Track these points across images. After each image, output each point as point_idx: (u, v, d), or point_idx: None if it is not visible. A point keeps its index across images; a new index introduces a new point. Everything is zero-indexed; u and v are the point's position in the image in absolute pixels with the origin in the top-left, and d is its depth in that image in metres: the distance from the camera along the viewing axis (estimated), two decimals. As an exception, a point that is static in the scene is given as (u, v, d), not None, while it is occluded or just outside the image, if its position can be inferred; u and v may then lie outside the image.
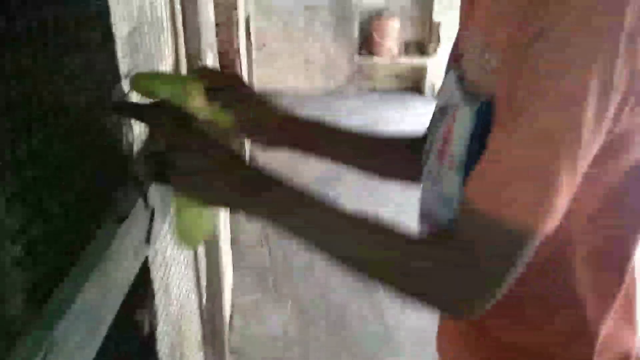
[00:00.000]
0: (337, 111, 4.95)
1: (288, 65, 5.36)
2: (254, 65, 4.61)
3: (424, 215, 0.68)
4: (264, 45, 5.23)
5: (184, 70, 1.17)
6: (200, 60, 1.12)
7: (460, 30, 0.72)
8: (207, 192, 0.57)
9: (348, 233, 0.56)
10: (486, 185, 0.52)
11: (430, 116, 0.71)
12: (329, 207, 0.57)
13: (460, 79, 0.63)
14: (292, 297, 2.51)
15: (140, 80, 0.66)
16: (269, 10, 5.14)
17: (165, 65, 1.05)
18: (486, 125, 0.54)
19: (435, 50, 5.21)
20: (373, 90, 5.63)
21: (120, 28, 0.75)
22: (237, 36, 3.14)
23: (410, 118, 4.80)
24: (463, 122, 0.58)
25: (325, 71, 5.44)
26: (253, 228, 2.86)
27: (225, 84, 0.73)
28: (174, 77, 0.74)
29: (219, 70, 0.81)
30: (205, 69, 0.79)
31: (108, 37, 0.69)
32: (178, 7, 1.11)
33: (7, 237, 0.41)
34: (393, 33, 5.14)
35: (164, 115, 0.57)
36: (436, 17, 5.14)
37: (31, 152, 0.44)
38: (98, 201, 0.58)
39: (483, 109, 0.55)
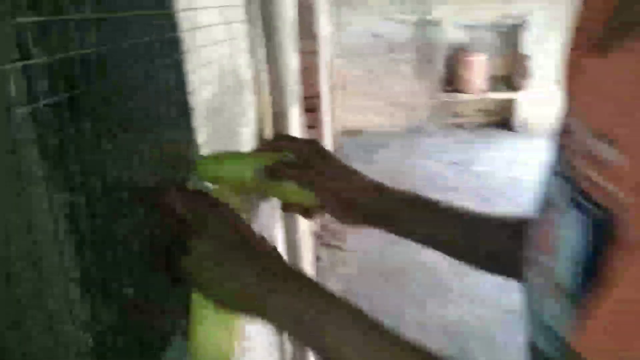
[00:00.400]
0: (420, 149, 4.81)
1: (370, 104, 5.33)
2: (336, 107, 4.62)
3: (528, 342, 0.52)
4: (345, 86, 5.24)
5: (268, 130, 1.12)
6: (287, 118, 1.07)
7: (565, 107, 0.51)
8: (229, 284, 0.47)
9: None
10: (606, 340, 0.37)
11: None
12: (392, 339, 0.45)
13: (566, 171, 0.44)
14: None
15: (201, 165, 0.60)
16: (351, 52, 5.17)
17: (249, 127, 1.01)
18: (601, 242, 0.38)
19: (524, 84, 4.97)
20: (459, 126, 5.45)
21: (200, 93, 0.71)
22: (319, 80, 3.15)
23: (499, 155, 4.56)
24: (570, 235, 0.41)
25: (408, 108, 5.34)
26: (337, 277, 2.78)
27: (303, 153, 0.64)
28: (241, 155, 0.65)
29: (295, 137, 0.69)
30: (280, 137, 0.69)
31: (184, 109, 0.64)
32: (263, 64, 1.07)
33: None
34: (479, 68, 4.98)
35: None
36: (524, 50, 4.91)
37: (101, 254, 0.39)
38: (167, 314, 0.52)
39: (601, 221, 0.39)
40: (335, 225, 3.32)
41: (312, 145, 0.65)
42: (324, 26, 3.84)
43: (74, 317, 0.37)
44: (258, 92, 1.10)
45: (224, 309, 0.48)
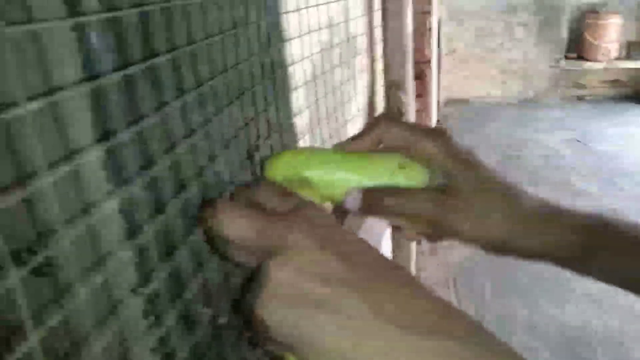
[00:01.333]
0: (535, 123, 4.34)
1: (479, 72, 4.88)
2: (442, 73, 4.26)
3: None
4: (454, 51, 4.83)
5: (378, 101, 0.91)
6: (402, 91, 0.85)
7: None
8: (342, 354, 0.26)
9: None
10: None
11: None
12: None
13: None
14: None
15: (280, 161, 0.39)
16: (461, 14, 4.73)
17: (357, 97, 0.80)
18: None
19: (668, 51, 4.28)
20: (581, 99, 4.86)
21: (302, 51, 0.51)
22: (430, 44, 2.86)
23: (628, 133, 3.99)
24: None
25: (523, 78, 4.83)
26: (438, 265, 2.54)
27: (424, 151, 0.40)
28: (326, 153, 0.40)
29: (411, 124, 0.41)
30: (389, 123, 0.41)
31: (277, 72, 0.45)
32: (378, 22, 0.85)
33: None
34: (612, 32, 4.34)
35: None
36: (672, 11, 4.21)
37: None
38: None
39: None
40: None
41: (442, 143, 0.40)
42: (436, -16, 3.48)
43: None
44: (371, 56, 0.89)
45: None
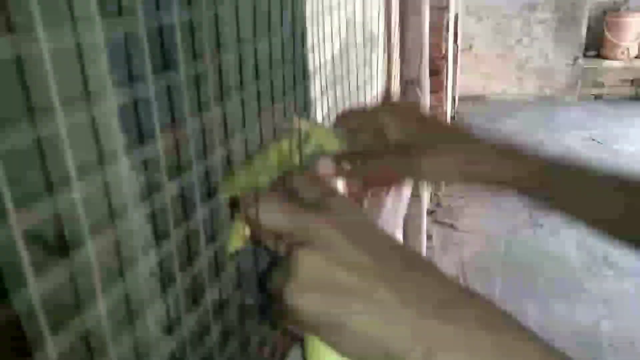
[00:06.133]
0: (552, 121, 4.29)
1: (496, 69, 4.84)
2: (458, 70, 4.23)
3: None
4: (471, 47, 4.79)
5: (395, 98, 0.91)
6: (419, 87, 0.85)
7: None
8: (361, 334, 0.28)
9: None
10: None
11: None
12: None
13: None
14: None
15: (229, 182, 0.38)
16: (479, 10, 4.68)
17: (375, 93, 0.80)
18: None
19: (690, 50, 4.21)
20: (599, 97, 4.79)
21: (322, 50, 0.52)
22: (446, 39, 2.84)
23: (650, 134, 3.93)
24: None
25: (541, 76, 4.78)
26: (448, 262, 2.53)
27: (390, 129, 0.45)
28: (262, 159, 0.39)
29: (367, 111, 0.46)
30: (349, 114, 0.46)
31: (300, 72, 0.46)
32: (396, 17, 0.85)
33: None
34: (632, 30, 4.28)
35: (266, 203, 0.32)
36: (695, 10, 4.13)
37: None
38: None
39: None
40: (451, 200, 3.05)
41: (396, 116, 0.46)
42: (454, -21, 3.46)
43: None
44: (388, 52, 0.89)
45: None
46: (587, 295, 2.25)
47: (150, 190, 0.30)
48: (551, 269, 2.43)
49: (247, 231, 0.35)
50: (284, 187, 0.34)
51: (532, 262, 2.49)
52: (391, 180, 0.49)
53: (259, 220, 0.31)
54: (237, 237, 0.36)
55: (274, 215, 0.31)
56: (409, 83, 0.94)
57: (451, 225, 2.83)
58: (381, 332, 0.28)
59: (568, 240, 2.63)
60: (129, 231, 0.28)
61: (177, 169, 0.31)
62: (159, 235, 0.31)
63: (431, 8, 2.44)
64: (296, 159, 0.37)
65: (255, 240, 0.34)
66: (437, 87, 2.81)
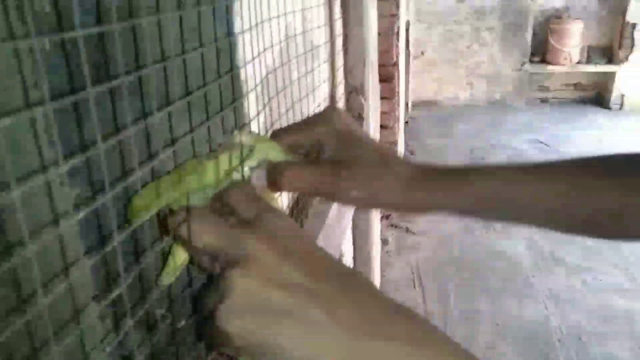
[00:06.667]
0: (501, 124, 4.44)
1: (448, 75, 4.97)
2: (410, 76, 4.31)
3: None
4: (423, 53, 4.90)
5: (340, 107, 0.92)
6: (363, 97, 0.87)
7: None
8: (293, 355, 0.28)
9: None
10: None
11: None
12: None
13: None
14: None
15: (137, 202, 0.35)
16: (430, 16, 4.80)
17: (320, 105, 0.81)
18: None
19: (626, 56, 4.43)
20: (545, 101, 4.99)
21: (258, 61, 0.52)
22: (397, 46, 2.89)
23: (591, 135, 4.12)
24: None
25: (490, 80, 4.93)
26: (403, 265, 2.57)
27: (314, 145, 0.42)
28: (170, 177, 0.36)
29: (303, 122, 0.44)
30: (279, 132, 0.44)
31: (231, 84, 0.46)
32: (339, 27, 0.87)
33: None
34: (574, 37, 4.48)
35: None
36: (631, 18, 4.36)
37: None
38: None
39: None
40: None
41: (329, 128, 0.42)
42: (404, -13, 3.53)
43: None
44: (332, 62, 0.90)
45: None
46: (536, 292, 2.33)
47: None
48: (502, 267, 2.51)
49: (185, 258, 0.34)
50: (221, 203, 0.34)
51: (485, 262, 2.56)
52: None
53: (191, 238, 0.31)
54: (174, 267, 0.34)
55: (206, 234, 0.30)
56: (353, 92, 0.95)
57: (406, 229, 2.87)
58: (313, 353, 0.28)
59: (518, 240, 2.72)
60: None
61: (92, 188, 0.30)
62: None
63: (381, 16, 2.48)
64: (237, 175, 0.36)
65: (190, 259, 0.33)
66: (389, 94, 2.86)
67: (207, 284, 0.33)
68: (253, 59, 0.47)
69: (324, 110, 0.43)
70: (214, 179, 0.36)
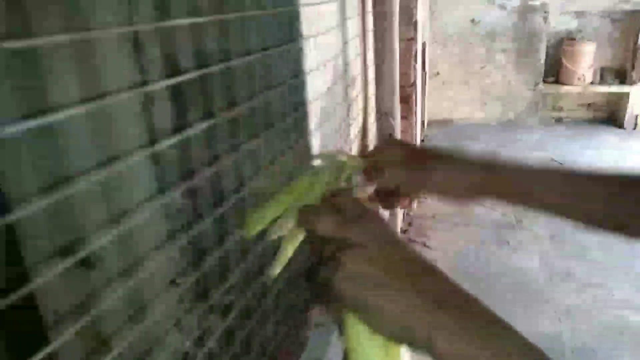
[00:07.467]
0: (515, 144, 4.52)
1: (462, 94, 5.08)
2: (426, 95, 4.43)
3: None
4: (438, 73, 5.02)
5: (370, 129, 1.04)
6: (393, 118, 0.98)
7: None
8: (387, 313, 0.39)
9: None
10: None
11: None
12: None
13: None
14: None
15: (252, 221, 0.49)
16: (446, 38, 4.93)
17: (355, 126, 0.93)
18: None
19: (639, 77, 4.51)
20: (559, 121, 5.07)
21: (314, 92, 0.64)
22: (415, 68, 3.01)
23: (605, 153, 4.19)
24: None
25: (504, 100, 5.03)
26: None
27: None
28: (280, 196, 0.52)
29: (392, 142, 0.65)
30: (375, 161, 0.61)
31: (302, 110, 0.57)
32: (370, 58, 0.98)
33: None
34: (587, 58, 4.57)
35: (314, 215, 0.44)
36: (642, 40, 4.44)
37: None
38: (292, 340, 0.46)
39: None
40: (422, 220, 3.19)
41: (402, 150, 0.61)
42: (421, 10, 3.66)
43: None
44: (364, 89, 1.02)
45: (381, 335, 0.40)
46: (549, 307, 2.40)
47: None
48: (516, 282, 2.58)
49: (290, 254, 0.47)
50: (332, 205, 0.46)
51: (498, 276, 2.63)
52: (405, 195, 0.62)
53: (315, 227, 0.43)
54: (283, 260, 0.47)
55: (327, 225, 0.42)
56: (384, 115, 1.07)
57: (423, 244, 2.96)
58: (399, 313, 0.39)
59: (531, 255, 2.79)
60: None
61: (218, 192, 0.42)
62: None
63: (400, 40, 2.61)
64: (340, 184, 0.50)
65: (309, 242, 0.45)
66: (407, 113, 2.97)
67: (318, 263, 0.44)
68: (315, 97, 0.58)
69: (387, 140, 0.59)
70: (319, 191, 0.49)
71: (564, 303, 2.43)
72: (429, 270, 0.42)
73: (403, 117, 2.96)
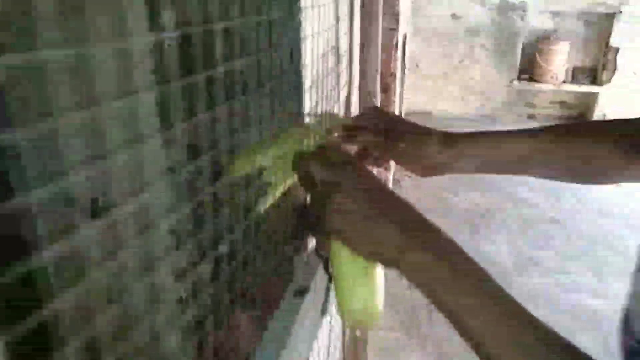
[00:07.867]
0: (490, 138, 4.66)
1: (440, 88, 5.20)
2: (406, 87, 4.53)
3: (626, 327, 0.55)
4: (417, 66, 5.12)
5: (354, 105, 1.11)
6: (375, 98, 1.06)
7: None
8: (367, 237, 0.48)
9: (523, 339, 0.43)
10: None
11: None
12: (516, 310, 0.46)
13: None
14: (434, 340, 2.36)
15: (239, 162, 0.56)
16: (427, 32, 5.03)
17: (339, 106, 1.00)
18: None
19: (609, 78, 4.69)
20: (532, 117, 5.23)
21: (308, 65, 0.71)
22: (395, 58, 3.08)
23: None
24: None
25: (481, 95, 5.17)
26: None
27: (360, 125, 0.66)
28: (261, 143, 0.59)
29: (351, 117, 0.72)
30: (352, 127, 0.67)
31: (297, 80, 0.65)
32: (356, 39, 1.06)
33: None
34: (560, 58, 4.73)
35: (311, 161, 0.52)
36: (614, 42, 4.62)
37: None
38: (281, 272, 0.53)
39: None
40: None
41: (372, 112, 0.68)
42: (403, 1, 3.74)
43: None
44: (350, 67, 1.09)
45: (363, 259, 0.50)
46: (514, 291, 2.52)
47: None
48: (486, 267, 2.70)
49: (280, 192, 0.54)
50: (323, 154, 0.54)
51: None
52: (376, 158, 0.69)
53: (310, 170, 0.51)
54: (272, 197, 0.55)
55: (319, 169, 0.51)
56: (368, 94, 1.14)
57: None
58: (375, 236, 0.48)
59: (500, 244, 2.92)
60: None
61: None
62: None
63: (383, 29, 2.68)
64: (327, 140, 0.58)
65: (303, 183, 0.53)
66: (386, 104, 3.05)
67: (308, 203, 0.51)
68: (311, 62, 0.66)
69: (370, 107, 0.66)
70: (311, 142, 0.56)
71: (528, 287, 2.56)
72: (402, 206, 0.50)
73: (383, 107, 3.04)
